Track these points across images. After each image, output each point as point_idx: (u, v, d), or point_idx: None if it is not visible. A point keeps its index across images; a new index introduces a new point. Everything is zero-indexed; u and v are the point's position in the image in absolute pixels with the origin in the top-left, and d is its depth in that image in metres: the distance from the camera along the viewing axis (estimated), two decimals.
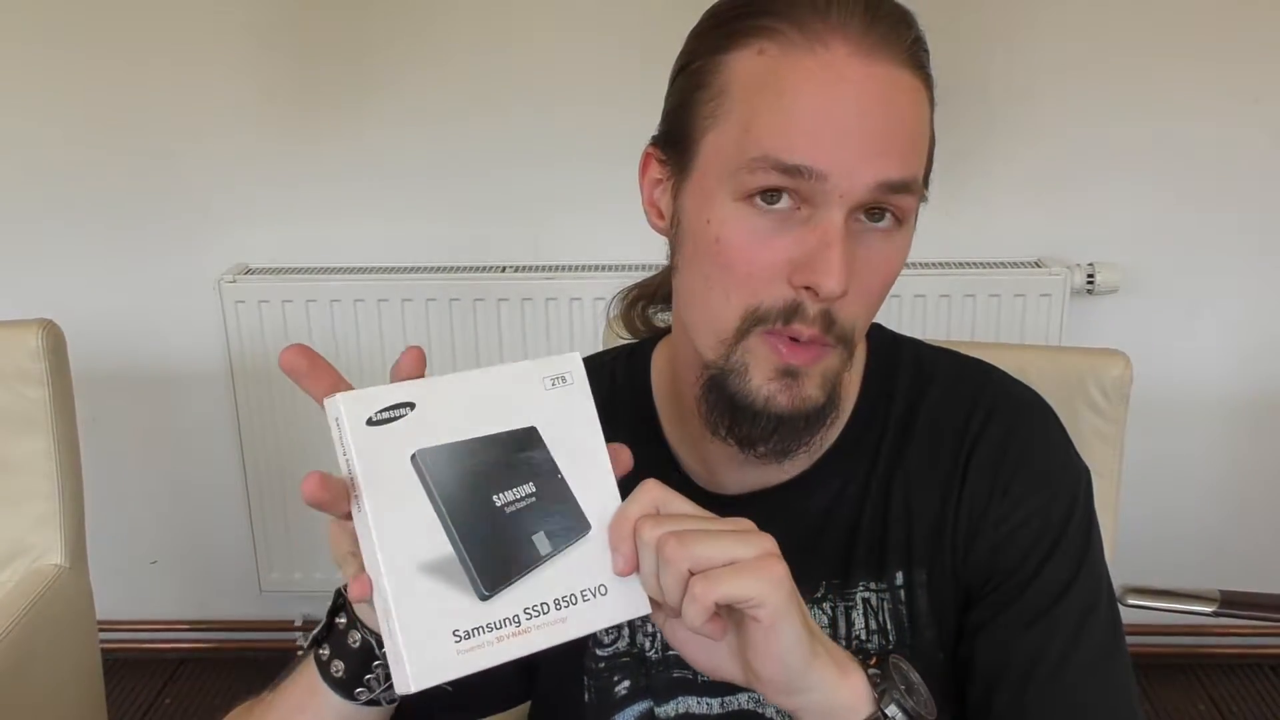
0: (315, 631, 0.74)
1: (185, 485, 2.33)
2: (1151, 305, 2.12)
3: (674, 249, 0.79)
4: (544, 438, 0.66)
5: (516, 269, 2.10)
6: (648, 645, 0.85)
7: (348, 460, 0.61)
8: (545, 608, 0.64)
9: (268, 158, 2.11)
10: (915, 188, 0.72)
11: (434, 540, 0.62)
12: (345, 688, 0.72)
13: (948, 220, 2.07)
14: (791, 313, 0.71)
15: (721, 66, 0.72)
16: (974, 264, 2.06)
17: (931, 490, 0.83)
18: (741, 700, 0.85)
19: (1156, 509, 2.21)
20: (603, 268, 2.09)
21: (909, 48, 0.71)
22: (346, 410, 0.61)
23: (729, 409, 0.75)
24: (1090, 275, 2.07)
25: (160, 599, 2.40)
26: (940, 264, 2.05)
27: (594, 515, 0.66)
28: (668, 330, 0.89)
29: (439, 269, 2.12)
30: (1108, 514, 1.32)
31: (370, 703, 0.73)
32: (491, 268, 2.11)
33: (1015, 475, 0.82)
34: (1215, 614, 1.41)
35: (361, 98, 2.07)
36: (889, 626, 0.83)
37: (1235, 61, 1.99)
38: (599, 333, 1.38)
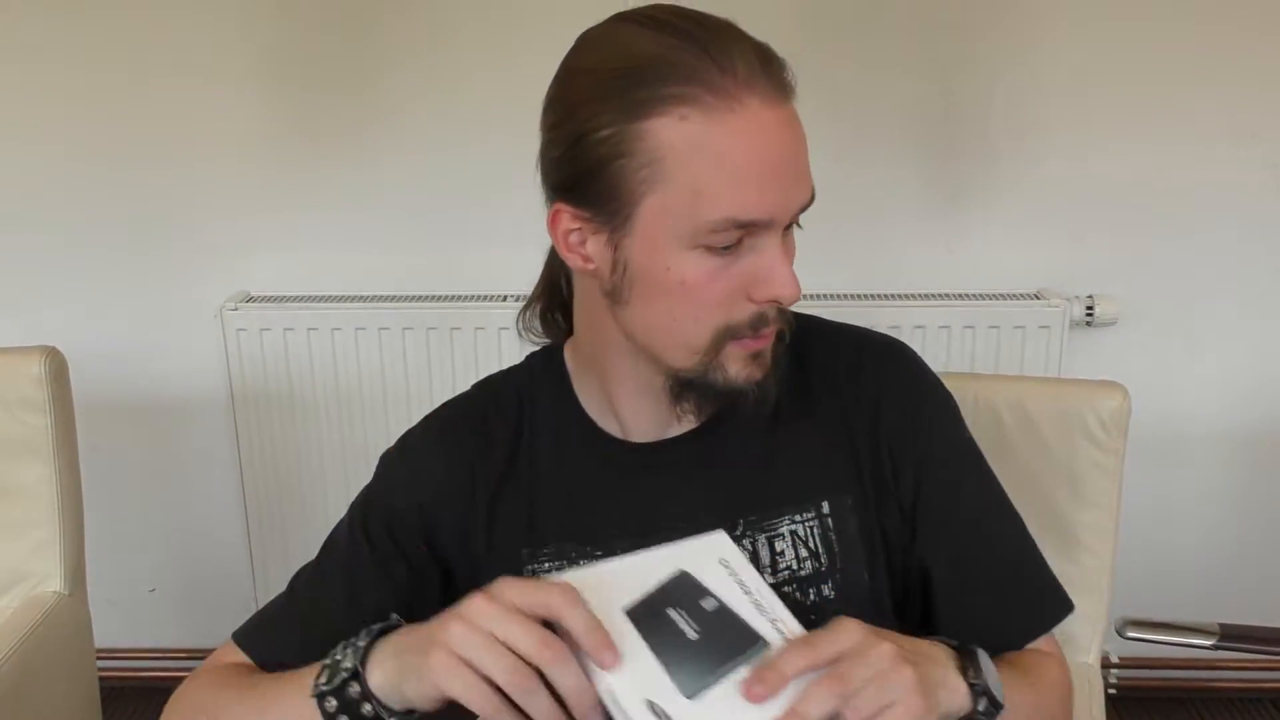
0: (320, 683, 0.79)
1: (185, 513, 2.33)
2: (1150, 338, 2.12)
3: (615, 287, 0.87)
4: (698, 578, 0.78)
5: (518, 298, 2.10)
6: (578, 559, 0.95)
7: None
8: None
9: (269, 186, 2.13)
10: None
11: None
12: None
13: (947, 252, 2.08)
14: (759, 322, 0.86)
15: (643, 134, 0.80)
16: (973, 295, 2.06)
17: (842, 427, 0.96)
18: None
19: (1155, 542, 2.21)
20: None
21: (790, 83, 0.82)
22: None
23: (703, 395, 0.89)
24: (1089, 307, 2.07)
25: (159, 627, 2.40)
26: (940, 295, 2.06)
27: (767, 632, 0.76)
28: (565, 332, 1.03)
29: (440, 297, 2.12)
30: (1106, 546, 1.33)
31: None
32: (493, 296, 2.12)
33: (920, 407, 0.97)
34: (1215, 647, 1.40)
35: (363, 127, 2.08)
36: (820, 550, 0.93)
37: (1235, 97, 2.00)
38: None
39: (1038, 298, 2.07)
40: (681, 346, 0.86)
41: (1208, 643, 1.40)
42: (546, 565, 0.95)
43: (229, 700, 0.91)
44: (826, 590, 0.93)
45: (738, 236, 0.81)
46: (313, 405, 2.14)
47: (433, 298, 2.13)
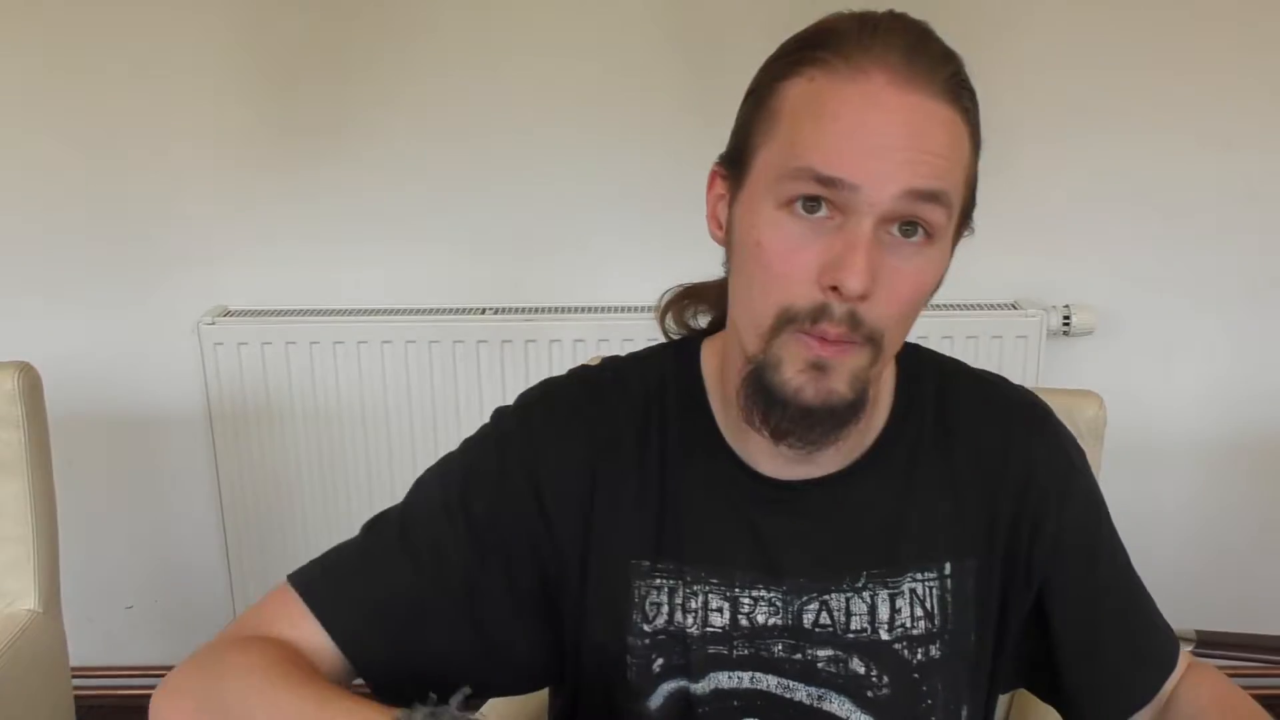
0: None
1: (162, 529, 2.31)
2: (1127, 347, 2.14)
3: (727, 256, 0.86)
4: None
5: (497, 311, 2.11)
6: (689, 622, 0.89)
7: None
8: None
9: (247, 199, 2.12)
10: (945, 201, 0.79)
11: None
12: None
13: None
14: (819, 314, 0.77)
15: (777, 92, 0.80)
16: (951, 306, 2.07)
17: (982, 490, 0.92)
18: (769, 682, 0.90)
19: (1132, 550, 2.20)
20: (583, 310, 2.10)
21: (946, 83, 0.78)
22: None
23: (763, 400, 0.82)
24: (1066, 317, 2.08)
25: (136, 645, 2.38)
26: None
27: None
28: (704, 331, 0.97)
29: (419, 311, 2.12)
30: None
31: None
32: (472, 310, 2.12)
33: (1070, 481, 0.95)
34: (1192, 654, 1.41)
35: (341, 140, 2.08)
36: (935, 611, 0.91)
37: (1208, 107, 2.02)
38: None
39: (1015, 308, 2.08)
40: (751, 321, 0.81)
41: (1185, 649, 1.41)
42: (659, 582, 0.90)
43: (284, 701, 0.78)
44: (934, 650, 0.91)
45: (816, 194, 0.76)
46: (291, 420, 2.13)
47: (412, 311, 2.12)
